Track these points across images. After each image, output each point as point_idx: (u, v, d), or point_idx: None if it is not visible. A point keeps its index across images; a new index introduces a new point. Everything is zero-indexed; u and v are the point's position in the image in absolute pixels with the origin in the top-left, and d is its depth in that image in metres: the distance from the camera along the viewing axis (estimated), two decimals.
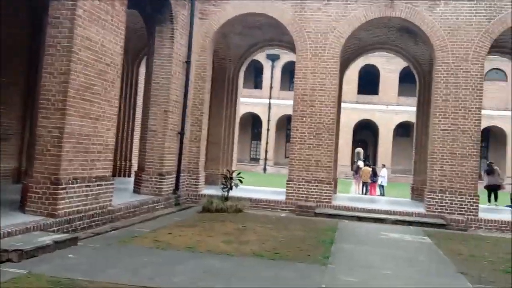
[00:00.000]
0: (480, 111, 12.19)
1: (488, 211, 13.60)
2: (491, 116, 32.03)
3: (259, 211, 12.72)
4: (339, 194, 17.25)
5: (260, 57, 37.90)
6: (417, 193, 16.29)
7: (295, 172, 13.26)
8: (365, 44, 16.43)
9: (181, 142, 12.87)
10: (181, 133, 12.87)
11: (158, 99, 12.34)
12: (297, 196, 13.13)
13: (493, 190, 16.64)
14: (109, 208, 9.03)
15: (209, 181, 15.63)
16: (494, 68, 33.75)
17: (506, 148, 34.69)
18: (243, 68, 17.78)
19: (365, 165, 24.92)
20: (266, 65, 38.63)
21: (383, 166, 24.52)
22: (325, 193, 13.04)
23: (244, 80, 39.59)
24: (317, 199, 13.02)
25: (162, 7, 12.21)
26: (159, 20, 12.50)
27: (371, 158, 39.95)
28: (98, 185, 8.63)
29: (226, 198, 12.24)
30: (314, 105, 13.20)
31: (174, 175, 12.64)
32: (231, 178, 12.63)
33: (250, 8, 13.61)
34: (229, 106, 17.28)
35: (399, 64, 35.54)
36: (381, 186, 22.40)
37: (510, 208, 15.54)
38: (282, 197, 13.38)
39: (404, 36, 15.63)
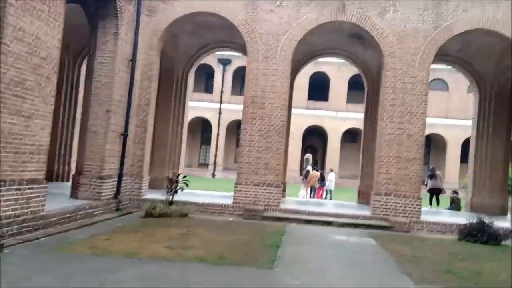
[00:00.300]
0: (425, 116, 12.56)
1: (429, 213, 14.00)
2: (432, 124, 33.42)
3: (206, 215, 12.40)
4: (288, 198, 17.22)
5: (212, 61, 37.70)
6: (363, 197, 16.57)
7: (243, 175, 13.07)
8: (316, 49, 16.58)
9: (124, 144, 12.35)
10: (124, 135, 12.35)
11: (99, 98, 11.78)
12: (245, 200, 12.94)
13: (435, 193, 17.24)
14: (42, 213, 8.41)
15: (154, 185, 15.11)
16: (436, 79, 35.27)
17: (446, 154, 36.31)
18: (193, 70, 17.42)
19: (314, 170, 25.05)
20: (218, 69, 38.38)
21: (331, 170, 24.86)
22: (274, 196, 12.93)
23: (194, 84, 39.63)
24: (265, 203, 12.89)
25: (106, 0, 11.69)
26: (103, 15, 11.97)
27: (319, 163, 40.55)
28: (29, 189, 8.01)
29: (171, 203, 11.83)
30: (264, 107, 13.09)
31: (116, 179, 12.09)
32: (176, 181, 12.23)
33: (200, 6, 13.34)
34: (177, 108, 16.84)
35: (349, 72, 36.45)
36: (329, 191, 22.72)
37: (450, 211, 16.14)
38: (230, 201, 13.15)
39: (354, 42, 15.90)
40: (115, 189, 12.02)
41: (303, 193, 23.74)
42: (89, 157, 11.57)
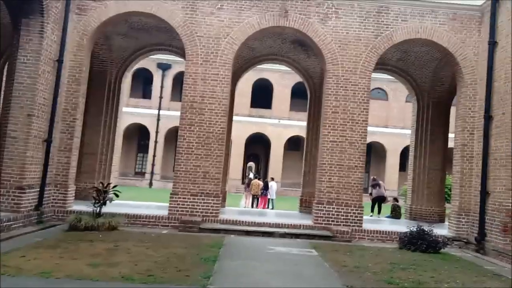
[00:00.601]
0: (367, 124, 12.65)
1: (370, 221, 14.13)
2: (372, 132, 34.41)
3: (138, 228, 11.75)
4: (228, 208, 16.83)
5: (150, 65, 36.71)
6: (305, 205, 16.52)
7: (180, 184, 12.53)
8: (259, 55, 16.41)
9: (48, 151, 11.44)
10: (48, 141, 11.44)
11: (21, 101, 10.86)
12: (182, 211, 12.40)
13: (378, 201, 17.52)
14: None
15: (82, 197, 14.23)
16: (376, 88, 36.42)
17: (386, 162, 37.48)
18: (128, 73, 16.67)
19: (256, 178, 24.83)
20: (156, 74, 37.36)
21: (272, 179, 24.70)
22: (212, 206, 12.48)
23: (132, 89, 38.45)
24: (203, 214, 12.41)
25: None
26: (27, 12, 11.09)
27: (263, 172, 40.52)
28: None
29: (99, 215, 11.05)
30: (203, 113, 12.65)
31: (38, 189, 11.14)
32: (105, 192, 11.45)
33: (135, 6, 12.72)
34: (109, 114, 15.97)
35: (292, 79, 36.72)
36: (270, 200, 22.63)
37: (390, 219, 16.42)
38: (165, 212, 12.53)
39: (297, 48, 15.90)
40: (37, 200, 11.07)
41: (245, 202, 23.51)
42: (7, 165, 10.59)
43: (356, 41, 12.79)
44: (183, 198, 12.47)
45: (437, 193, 15.79)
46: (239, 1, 12.89)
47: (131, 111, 36.22)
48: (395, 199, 17.73)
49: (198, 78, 12.72)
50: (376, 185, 17.64)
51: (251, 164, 48.34)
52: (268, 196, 22.54)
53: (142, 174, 38.31)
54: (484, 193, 11.41)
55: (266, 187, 22.58)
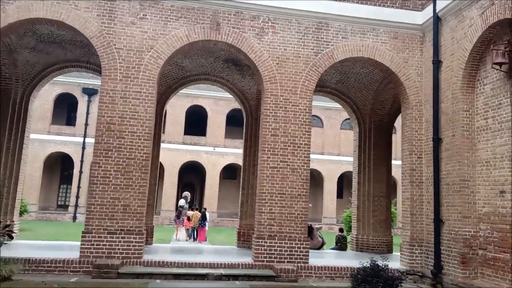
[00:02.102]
0: (309, 148, 11.34)
1: (315, 256, 12.52)
2: (310, 159, 33.79)
3: (40, 276, 9.49)
4: (157, 244, 14.75)
5: (75, 90, 34.06)
6: (244, 239, 14.84)
7: (94, 221, 10.42)
8: (189, 74, 14.84)
9: None
10: None
11: None
12: (96, 252, 10.26)
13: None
14: None
15: None
16: (312, 115, 36.04)
17: (323, 189, 36.79)
18: (36, 93, 14.31)
19: (191, 208, 23.26)
20: (82, 99, 34.48)
21: (205, 209, 23.06)
22: (134, 246, 10.45)
23: (54, 116, 35.10)
24: (123, 255, 10.35)
25: None
26: None
27: (198, 201, 38.40)
28: None
29: None
30: (123, 136, 10.73)
31: None
32: None
33: (41, 12, 10.73)
34: (13, 139, 13.52)
35: (227, 106, 35.62)
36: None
37: (335, 251, 15.12)
38: (77, 255, 10.32)
39: (230, 68, 14.52)
40: None
41: (176, 235, 21.54)
42: None
43: (295, 58, 11.57)
44: (98, 237, 10.36)
45: (384, 221, 14.74)
46: (165, 11, 11.29)
47: (53, 139, 33.15)
48: (340, 229, 16.46)
49: (117, 96, 10.85)
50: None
51: (187, 193, 46.03)
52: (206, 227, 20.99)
53: (65, 207, 34.76)
54: (438, 221, 10.37)
55: (204, 218, 20.92)
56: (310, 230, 15.36)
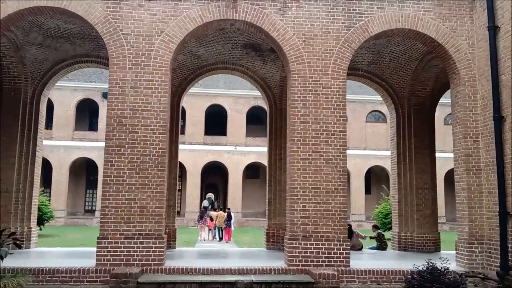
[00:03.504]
0: (345, 136, 9.80)
1: (354, 258, 10.87)
2: None
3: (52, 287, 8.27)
4: (180, 248, 13.45)
5: (95, 96, 33.36)
6: (273, 240, 13.42)
7: (109, 225, 9.14)
8: (205, 63, 13.49)
9: None
10: None
11: None
12: (114, 260, 8.99)
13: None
14: None
15: None
16: None
17: (350, 185, 34.98)
18: (47, 92, 13.17)
19: (213, 209, 23.07)
20: (102, 104, 33.62)
21: (229, 209, 22.30)
22: (154, 252, 9.13)
23: (77, 122, 34.36)
24: (142, 262, 9.04)
25: None
26: None
27: (222, 202, 37.14)
28: None
29: None
30: (136, 130, 9.42)
31: None
32: (1, 243, 7.88)
33: (42, 0, 9.49)
34: (25, 141, 12.43)
35: (246, 104, 34.41)
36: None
37: (374, 251, 13.51)
38: (93, 263, 9.06)
39: (250, 54, 13.11)
40: None
41: (200, 236, 21.08)
42: None
43: (324, 34, 10.03)
44: (115, 243, 9.07)
45: (429, 216, 13.01)
46: None
47: (77, 145, 32.61)
48: (376, 226, 14.74)
49: (127, 87, 9.53)
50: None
51: (210, 194, 44.87)
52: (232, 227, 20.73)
53: (92, 212, 34.02)
54: (505, 215, 8.66)
55: (229, 218, 20.54)
56: (350, 229, 13.74)
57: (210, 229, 21.10)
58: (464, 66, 10.07)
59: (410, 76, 13.17)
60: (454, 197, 10.33)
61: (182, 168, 33.99)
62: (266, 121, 14.48)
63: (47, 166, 32.66)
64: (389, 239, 14.14)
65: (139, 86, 9.56)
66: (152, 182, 9.32)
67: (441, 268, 7.62)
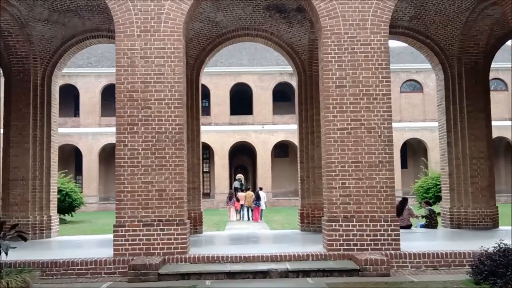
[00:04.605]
0: (389, 99, 8.37)
1: (402, 238, 9.47)
2: None
3: (67, 282, 7.50)
4: (207, 233, 12.42)
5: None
6: (308, 221, 12.20)
7: (126, 211, 8.13)
8: (225, 31, 12.18)
9: None
10: None
11: None
12: (132, 250, 8.02)
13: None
14: None
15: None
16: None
17: None
18: (58, 72, 12.20)
19: (241, 190, 23.88)
20: None
21: (260, 189, 22.50)
22: (176, 239, 8.08)
23: (103, 107, 33.59)
24: (163, 251, 8.02)
25: None
26: None
27: (251, 183, 36.17)
28: None
29: None
30: (149, 106, 8.27)
31: None
32: (2, 236, 6.92)
33: None
34: (38, 126, 11.56)
35: (272, 80, 33.04)
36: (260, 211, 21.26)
37: (424, 229, 12.08)
38: (110, 253, 8.08)
39: (274, 16, 11.71)
40: None
41: (229, 216, 21.56)
42: None
43: None
44: (133, 230, 8.07)
45: (486, 189, 11.41)
46: None
47: (105, 131, 32.09)
48: (427, 202, 13.17)
49: (136, 57, 8.36)
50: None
51: (240, 176, 44.04)
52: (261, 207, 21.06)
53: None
54: None
55: (258, 198, 20.89)
56: (403, 204, 12.33)
57: (237, 210, 21.52)
58: None
59: (459, 30, 11.36)
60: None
61: (210, 150, 33.11)
62: (293, 98, 13.24)
63: (77, 154, 32.47)
64: (438, 214, 12.69)
65: (150, 55, 8.36)
66: (170, 163, 8.20)
67: None
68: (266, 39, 12.30)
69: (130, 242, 8.03)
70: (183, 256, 8.00)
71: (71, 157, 33.60)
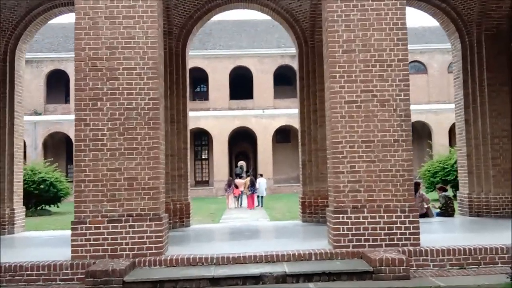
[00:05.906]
0: (406, 67, 6.77)
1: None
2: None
3: None
4: (196, 226, 10.91)
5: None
6: (310, 211, 10.68)
7: (87, 205, 6.58)
8: None
9: None
10: None
11: None
12: (95, 251, 6.49)
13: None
14: None
15: None
16: None
17: None
18: (23, 46, 10.61)
19: (239, 177, 23.80)
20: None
21: (260, 175, 22.00)
22: (150, 237, 6.55)
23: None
24: (134, 252, 6.51)
25: None
26: None
27: (252, 169, 34.76)
28: None
29: None
30: (116, 76, 6.70)
31: None
32: None
33: None
34: (0, 107, 10.02)
35: (273, 63, 31.55)
36: (260, 197, 20.80)
37: (440, 218, 10.52)
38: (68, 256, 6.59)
39: None
40: None
41: (229, 204, 21.01)
42: None
43: None
44: (95, 228, 6.53)
45: (509, 172, 9.79)
46: None
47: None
48: (442, 188, 11.53)
49: (100, 17, 6.74)
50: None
51: (242, 163, 42.61)
52: (257, 194, 20.48)
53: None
54: None
55: (252, 185, 20.22)
56: (415, 190, 10.68)
57: (235, 197, 21.06)
58: None
59: None
60: None
61: (209, 136, 31.63)
62: (295, 82, 11.56)
63: (68, 142, 30.97)
64: (454, 196, 11.16)
65: (117, 15, 6.75)
66: (143, 145, 6.66)
67: None
68: (262, 5, 10.60)
69: (91, 242, 6.49)
70: (157, 258, 6.49)
71: (62, 146, 32.04)
